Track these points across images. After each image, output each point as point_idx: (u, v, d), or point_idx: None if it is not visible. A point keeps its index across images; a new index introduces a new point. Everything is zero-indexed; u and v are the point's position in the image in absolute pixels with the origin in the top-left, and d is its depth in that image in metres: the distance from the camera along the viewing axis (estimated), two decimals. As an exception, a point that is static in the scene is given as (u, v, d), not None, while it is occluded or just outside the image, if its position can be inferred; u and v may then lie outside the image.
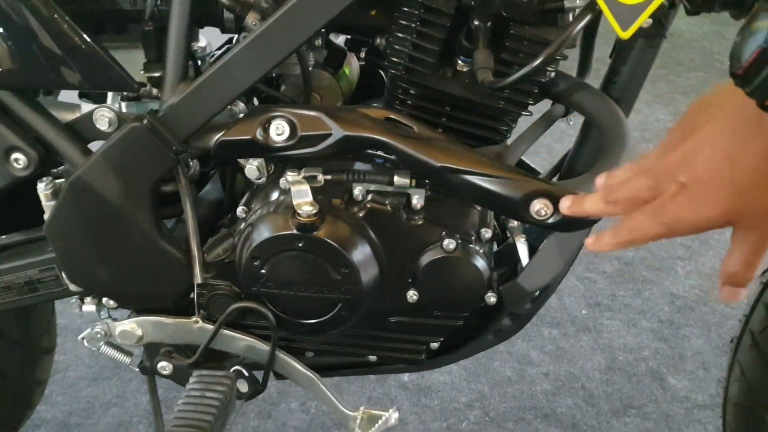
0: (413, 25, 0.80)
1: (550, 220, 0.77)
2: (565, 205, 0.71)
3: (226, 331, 0.95)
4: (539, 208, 0.76)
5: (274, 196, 0.90)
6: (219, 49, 1.09)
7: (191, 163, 0.93)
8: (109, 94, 0.96)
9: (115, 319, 0.99)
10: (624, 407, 1.55)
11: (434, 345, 0.97)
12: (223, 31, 0.91)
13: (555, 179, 0.96)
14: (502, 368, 1.65)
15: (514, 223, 0.94)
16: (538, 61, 0.74)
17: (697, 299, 1.87)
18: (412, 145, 0.79)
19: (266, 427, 1.52)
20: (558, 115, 0.94)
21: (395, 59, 0.83)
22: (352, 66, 1.03)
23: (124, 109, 0.94)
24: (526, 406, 1.55)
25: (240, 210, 0.91)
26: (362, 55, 1.04)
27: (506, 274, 0.93)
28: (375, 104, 1.05)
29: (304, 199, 0.84)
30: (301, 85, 0.95)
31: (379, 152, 0.86)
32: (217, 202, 1.04)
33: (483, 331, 0.97)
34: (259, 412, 1.55)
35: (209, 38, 1.03)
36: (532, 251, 0.91)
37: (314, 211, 0.83)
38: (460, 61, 0.85)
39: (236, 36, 1.09)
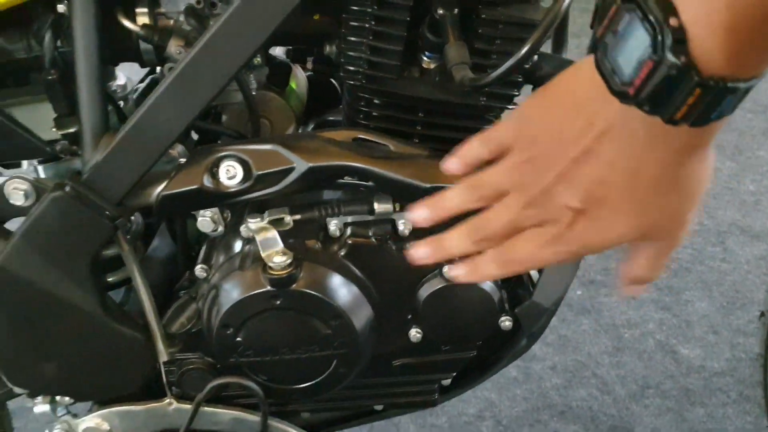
0: (367, 26, 0.68)
1: None
2: (422, 255, 0.58)
3: (207, 408, 0.82)
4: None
5: (237, 247, 0.77)
6: (142, 81, 0.94)
7: (133, 218, 0.80)
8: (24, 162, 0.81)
9: (75, 415, 0.85)
10: (641, 389, 1.46)
11: (446, 381, 0.86)
12: (142, 66, 0.77)
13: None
14: (506, 369, 1.53)
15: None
16: (526, 47, 0.61)
17: (691, 259, 1.78)
18: (393, 167, 0.67)
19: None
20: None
21: (351, 67, 0.70)
22: (299, 79, 0.90)
23: (42, 174, 0.79)
24: (539, 407, 1.45)
25: (199, 269, 0.78)
26: (308, 65, 0.91)
27: (512, 290, 0.82)
28: (332, 118, 0.93)
29: (273, 249, 0.71)
30: (245, 113, 0.82)
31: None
32: (169, 259, 0.91)
33: (500, 358, 0.85)
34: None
35: (128, 72, 0.89)
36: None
37: (288, 261, 0.70)
38: (425, 58, 0.73)
39: (158, 68, 0.96)
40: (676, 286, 1.72)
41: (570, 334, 1.61)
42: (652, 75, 0.40)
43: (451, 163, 0.56)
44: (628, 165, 0.47)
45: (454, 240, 0.55)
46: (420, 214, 0.57)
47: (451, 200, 0.55)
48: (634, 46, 0.41)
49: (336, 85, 0.95)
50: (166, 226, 0.91)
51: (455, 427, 1.42)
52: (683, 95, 0.40)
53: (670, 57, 0.39)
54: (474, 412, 1.45)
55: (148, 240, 0.93)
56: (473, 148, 0.55)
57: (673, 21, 0.39)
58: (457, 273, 0.56)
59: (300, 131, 0.88)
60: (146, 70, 0.91)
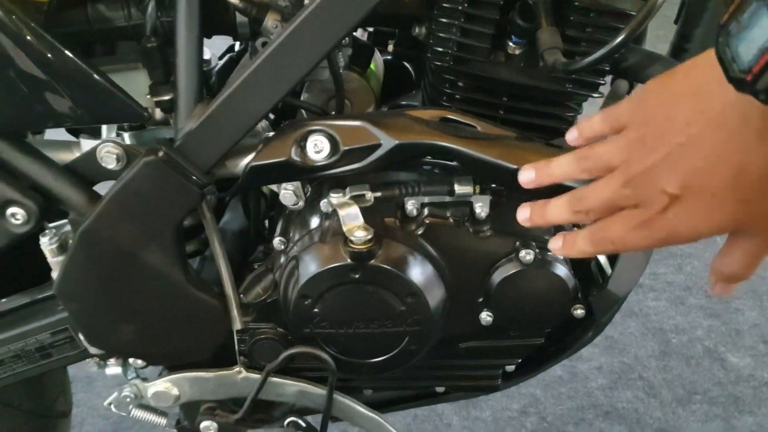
0: (460, 8, 0.69)
1: None
2: (524, 216, 0.62)
3: (274, 379, 0.83)
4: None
5: (315, 222, 0.78)
6: (220, 59, 0.97)
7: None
8: (104, 126, 0.83)
9: (144, 379, 0.87)
10: (688, 394, 1.45)
11: (510, 368, 0.86)
12: (235, 39, 0.79)
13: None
14: (552, 367, 1.54)
15: (586, 220, 0.83)
16: (622, 36, 0.62)
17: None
18: (481, 148, 0.67)
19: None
20: (624, 92, 0.82)
21: (440, 49, 0.71)
22: (378, 62, 0.91)
23: (127, 141, 0.81)
24: (584, 406, 1.45)
25: (277, 241, 0.80)
26: (389, 48, 0.92)
27: (583, 279, 0.82)
28: (404, 102, 0.94)
29: (355, 223, 0.72)
30: (327, 91, 0.83)
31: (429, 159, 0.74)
32: (241, 233, 0.92)
33: (565, 348, 0.85)
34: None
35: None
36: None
37: (369, 236, 0.71)
38: (511, 44, 0.74)
39: (237, 43, 0.98)
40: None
41: (617, 336, 1.60)
42: None
43: (571, 134, 0.58)
44: (736, 157, 0.47)
45: (556, 207, 0.57)
46: (527, 175, 0.59)
47: (559, 167, 0.57)
48: (758, 35, 0.41)
49: (410, 69, 0.96)
50: (240, 201, 0.93)
51: (499, 422, 1.43)
52: None
53: None
54: (518, 407, 1.45)
55: (219, 215, 0.95)
56: (594, 123, 0.57)
57: None
58: (555, 245, 0.58)
59: (376, 113, 0.89)
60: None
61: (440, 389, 0.90)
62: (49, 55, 0.66)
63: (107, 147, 0.74)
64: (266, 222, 0.94)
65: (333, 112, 0.82)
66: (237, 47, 0.97)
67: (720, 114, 0.47)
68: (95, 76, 0.67)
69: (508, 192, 0.75)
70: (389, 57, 0.95)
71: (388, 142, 0.69)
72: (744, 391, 1.45)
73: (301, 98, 0.85)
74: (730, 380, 1.47)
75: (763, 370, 1.49)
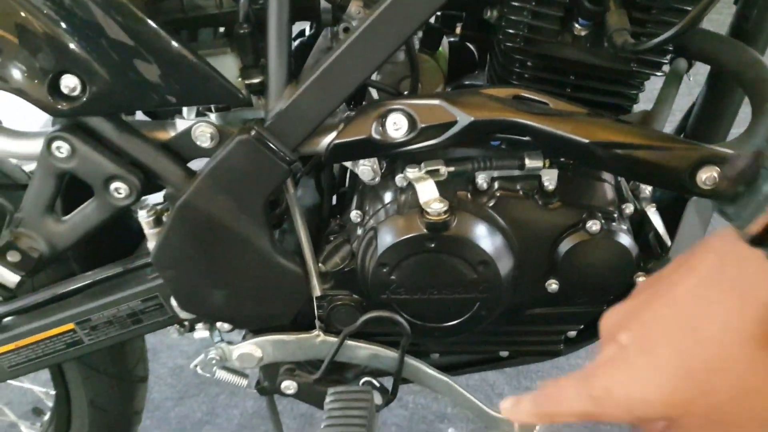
0: (532, -8, 0.73)
1: (717, 188, 0.70)
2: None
3: (350, 342, 0.89)
4: (707, 176, 0.69)
5: (389, 196, 0.84)
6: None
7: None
8: (185, 109, 0.89)
9: (229, 343, 0.94)
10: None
11: (572, 333, 0.91)
12: (319, 24, 0.84)
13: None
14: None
15: (646, 192, 0.87)
16: (690, 17, 0.66)
17: None
18: (553, 123, 0.72)
19: None
20: (683, 71, 0.86)
21: (512, 30, 0.76)
22: (443, 44, 0.96)
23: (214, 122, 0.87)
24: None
25: (354, 214, 0.85)
26: (457, 30, 0.97)
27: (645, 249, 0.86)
28: (468, 83, 0.98)
29: (431, 196, 0.77)
30: (398, 72, 0.88)
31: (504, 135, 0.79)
32: (315, 208, 0.98)
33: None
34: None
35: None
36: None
37: (444, 208, 0.77)
38: (577, 25, 0.77)
39: (306, 27, 1.03)
40: None
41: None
42: None
43: None
44: (697, 313, 0.44)
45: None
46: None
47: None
48: None
49: (474, 51, 1.00)
50: (314, 178, 0.99)
51: (548, 391, 1.47)
52: None
53: None
54: (567, 378, 1.50)
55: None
56: None
57: None
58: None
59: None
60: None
61: (504, 354, 0.95)
62: (154, 40, 0.72)
63: (201, 126, 0.80)
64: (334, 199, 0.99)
65: (405, 92, 0.87)
66: (307, 32, 1.03)
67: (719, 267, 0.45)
68: (197, 60, 0.73)
69: (576, 166, 0.79)
70: (453, 39, 0.99)
71: (464, 119, 0.74)
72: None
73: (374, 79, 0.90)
74: None
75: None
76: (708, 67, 0.85)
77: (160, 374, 1.68)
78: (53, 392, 1.21)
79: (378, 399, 0.90)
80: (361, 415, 0.81)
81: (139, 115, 0.91)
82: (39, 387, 1.34)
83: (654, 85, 0.88)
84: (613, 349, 0.48)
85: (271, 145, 0.75)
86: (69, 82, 0.75)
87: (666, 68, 0.83)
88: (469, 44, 1.00)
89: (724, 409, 0.43)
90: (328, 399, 0.83)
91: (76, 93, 0.75)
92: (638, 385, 0.45)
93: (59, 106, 0.76)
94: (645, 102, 0.81)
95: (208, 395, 1.62)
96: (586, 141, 0.71)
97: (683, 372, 0.43)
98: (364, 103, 0.91)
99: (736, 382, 0.42)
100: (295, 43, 1.01)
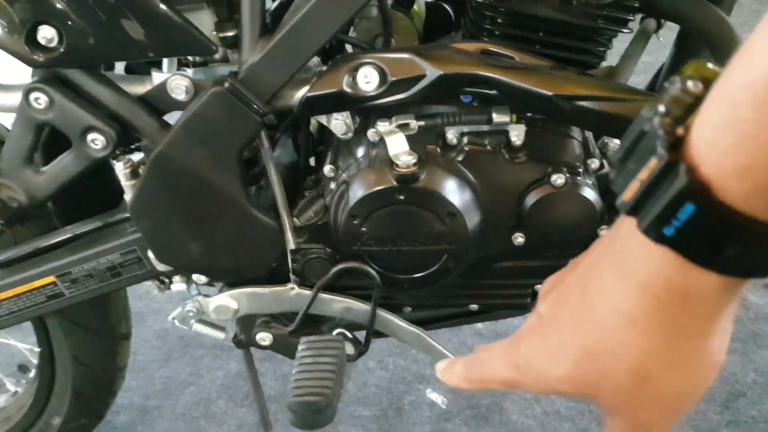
0: (500, -52, 0.75)
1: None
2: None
3: (323, 295, 0.92)
4: (666, 128, 0.71)
5: (362, 150, 0.86)
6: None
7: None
8: (165, 62, 0.91)
9: (206, 296, 0.96)
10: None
11: (539, 287, 0.93)
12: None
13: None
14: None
15: (614, 149, 0.89)
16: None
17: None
18: (518, 77, 0.74)
19: (346, 388, 1.51)
20: (652, 30, 0.88)
21: (482, -13, 0.77)
22: (419, 3, 0.97)
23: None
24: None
25: (327, 169, 0.87)
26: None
27: (611, 203, 0.89)
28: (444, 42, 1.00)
29: (401, 149, 0.79)
30: (373, 29, 0.90)
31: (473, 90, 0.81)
32: (290, 166, 1.00)
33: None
34: (338, 374, 1.53)
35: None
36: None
37: (414, 161, 0.79)
38: (546, -18, 0.79)
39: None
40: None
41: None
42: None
43: None
44: (596, 288, 0.41)
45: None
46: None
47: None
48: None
49: (450, 12, 1.02)
50: (291, 137, 1.00)
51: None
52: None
53: None
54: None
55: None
56: None
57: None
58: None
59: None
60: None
61: (474, 308, 0.97)
62: (129, -7, 0.73)
63: (177, 79, 0.81)
64: (312, 158, 1.01)
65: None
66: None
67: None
68: (173, 13, 0.74)
69: (542, 121, 0.81)
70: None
71: (432, 72, 0.76)
72: (763, 328, 1.51)
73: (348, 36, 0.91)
74: (750, 318, 1.54)
75: (783, 309, 1.56)
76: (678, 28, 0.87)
77: (146, 337, 1.71)
78: (38, 349, 1.24)
79: (350, 349, 0.93)
80: (332, 362, 0.83)
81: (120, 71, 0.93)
82: (25, 345, 1.36)
83: (624, 45, 0.90)
84: (535, 319, 0.47)
85: (244, 96, 0.77)
86: (46, 33, 0.76)
87: (636, 27, 0.85)
88: (445, 5, 1.02)
89: (629, 392, 0.41)
90: (300, 347, 0.86)
91: (53, 44, 0.77)
92: (548, 361, 0.44)
93: (37, 57, 0.77)
94: (613, 61, 0.83)
95: (192, 357, 1.65)
96: (550, 94, 0.73)
97: (582, 354, 0.42)
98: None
99: (632, 366, 0.40)
100: (276, 2, 1.02)
